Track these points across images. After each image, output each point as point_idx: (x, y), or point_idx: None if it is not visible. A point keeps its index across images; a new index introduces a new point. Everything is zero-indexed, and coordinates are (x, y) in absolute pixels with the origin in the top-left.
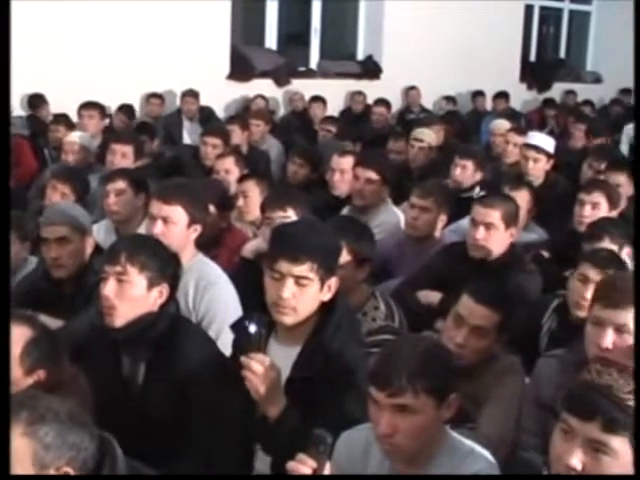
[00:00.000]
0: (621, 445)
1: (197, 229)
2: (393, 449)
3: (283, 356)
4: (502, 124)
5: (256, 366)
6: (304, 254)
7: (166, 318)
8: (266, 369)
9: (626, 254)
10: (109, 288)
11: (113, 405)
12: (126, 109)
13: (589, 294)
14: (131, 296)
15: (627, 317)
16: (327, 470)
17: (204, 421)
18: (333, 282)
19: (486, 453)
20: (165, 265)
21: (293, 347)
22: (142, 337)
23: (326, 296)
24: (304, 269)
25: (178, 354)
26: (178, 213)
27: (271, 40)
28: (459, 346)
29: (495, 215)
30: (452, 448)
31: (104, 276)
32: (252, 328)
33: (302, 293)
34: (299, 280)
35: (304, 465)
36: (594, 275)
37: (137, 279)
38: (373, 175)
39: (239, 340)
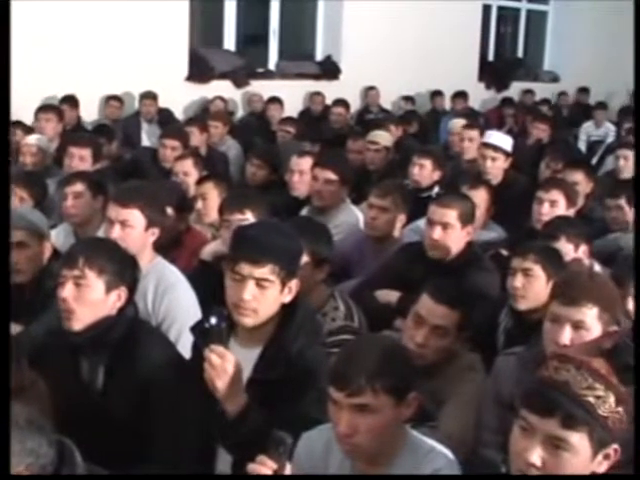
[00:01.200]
0: (580, 441)
1: (155, 232)
2: (353, 449)
3: (243, 358)
4: (459, 123)
5: (215, 359)
6: (265, 256)
7: (125, 321)
8: (226, 363)
9: (583, 253)
10: (67, 292)
11: (73, 409)
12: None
13: (517, 283)
14: (89, 300)
15: (584, 314)
16: (287, 471)
17: (163, 423)
18: (294, 284)
19: (446, 451)
20: (123, 268)
21: (253, 349)
22: (101, 340)
23: (287, 298)
24: (265, 271)
25: (137, 357)
26: (136, 217)
27: (230, 41)
28: (419, 346)
29: (451, 214)
30: (412, 447)
31: (62, 280)
32: (213, 320)
33: (263, 295)
34: (260, 282)
35: (264, 466)
36: (517, 263)
37: (95, 283)
38: (332, 175)
39: (199, 341)
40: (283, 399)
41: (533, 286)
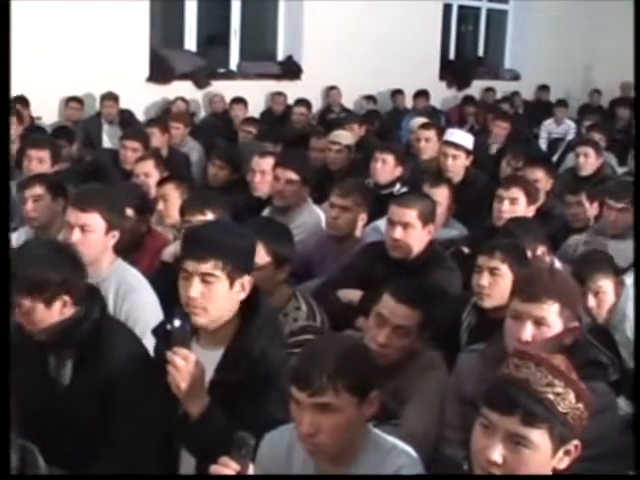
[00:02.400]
0: (540, 438)
1: (115, 235)
2: (316, 448)
3: (205, 359)
4: (419, 122)
5: (179, 361)
6: (208, 252)
7: (91, 319)
8: (189, 365)
9: (541, 253)
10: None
11: (39, 406)
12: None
13: (484, 281)
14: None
15: (545, 310)
16: (250, 472)
17: (126, 420)
18: (246, 281)
19: (409, 449)
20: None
21: (215, 350)
22: (67, 339)
23: (240, 296)
24: (208, 267)
25: (104, 353)
26: (95, 220)
27: (190, 42)
28: (382, 346)
29: (411, 214)
30: (375, 445)
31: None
32: (176, 322)
33: (210, 292)
34: (205, 278)
35: (227, 468)
36: (484, 262)
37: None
38: (293, 175)
39: (161, 343)
40: (245, 401)
41: (499, 285)
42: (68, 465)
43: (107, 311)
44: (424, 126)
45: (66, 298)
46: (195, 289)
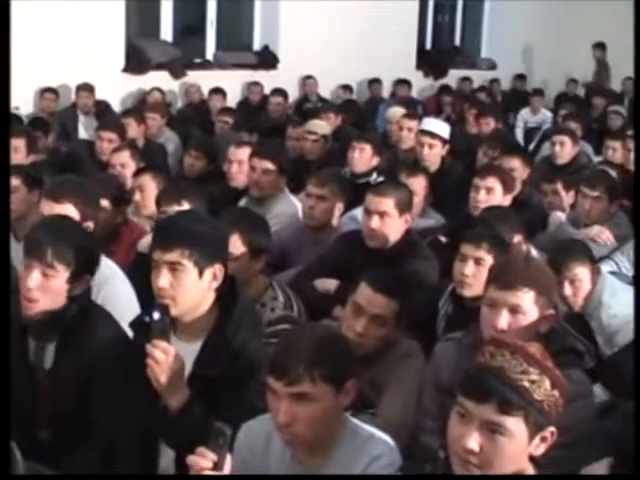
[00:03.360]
0: (516, 425)
1: (89, 226)
2: (293, 438)
3: (184, 352)
4: (398, 111)
5: (159, 354)
6: (173, 241)
7: (77, 303)
8: (169, 358)
9: (517, 242)
10: (34, 281)
11: (18, 391)
12: None
13: (468, 270)
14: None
15: (521, 298)
16: (228, 463)
17: (106, 406)
18: (218, 270)
19: (386, 437)
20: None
21: (193, 343)
22: (53, 322)
23: (212, 285)
24: (175, 255)
25: (87, 338)
26: (69, 211)
27: (166, 32)
28: (359, 335)
29: (388, 203)
30: (352, 434)
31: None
32: (155, 315)
33: (178, 281)
34: (172, 267)
35: (204, 458)
36: (470, 251)
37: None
38: (269, 165)
39: (139, 336)
40: (225, 393)
41: (482, 275)
42: (47, 451)
43: (91, 297)
44: (408, 116)
45: (86, 280)
46: (163, 279)
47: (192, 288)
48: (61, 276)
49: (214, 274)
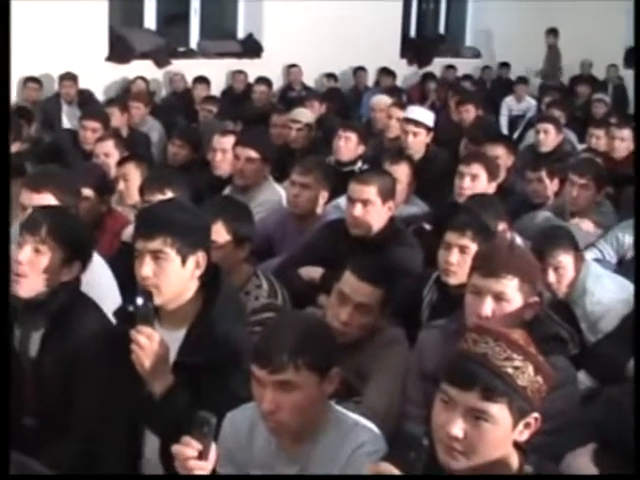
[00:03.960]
0: (500, 411)
1: None
2: (278, 426)
3: (167, 340)
4: (382, 100)
5: (143, 340)
6: (155, 229)
7: (66, 290)
8: (153, 343)
9: (502, 229)
10: (24, 255)
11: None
12: None
13: (453, 258)
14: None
15: (505, 285)
16: (212, 452)
17: (91, 394)
18: (201, 258)
19: (371, 425)
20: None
21: (177, 331)
22: (42, 309)
23: (196, 273)
24: (157, 243)
25: (73, 326)
26: (48, 201)
27: (150, 20)
28: (344, 324)
29: (371, 191)
30: (337, 422)
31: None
32: (139, 301)
33: (161, 269)
34: (155, 255)
35: (189, 447)
36: (454, 239)
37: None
38: (253, 154)
39: (123, 324)
40: (209, 381)
41: (467, 262)
42: (31, 440)
43: (79, 285)
44: (397, 105)
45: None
46: (146, 268)
47: (175, 276)
48: (52, 255)
49: (197, 262)
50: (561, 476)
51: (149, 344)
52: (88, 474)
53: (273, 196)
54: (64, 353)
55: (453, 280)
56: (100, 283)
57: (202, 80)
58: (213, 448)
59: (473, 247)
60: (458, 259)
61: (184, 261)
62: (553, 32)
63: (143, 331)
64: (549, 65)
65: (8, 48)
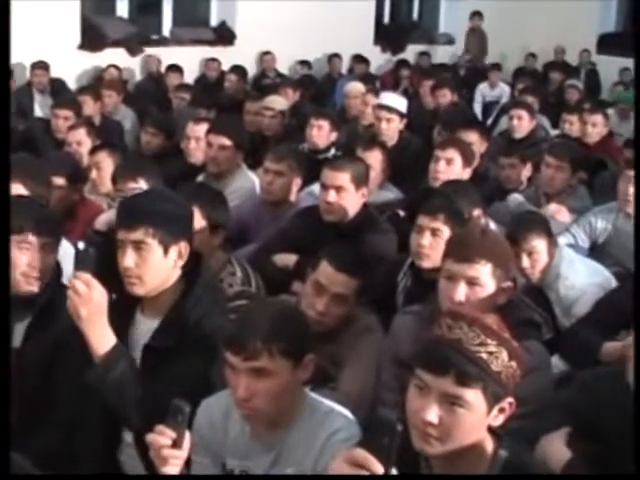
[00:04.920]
0: (475, 397)
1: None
2: (252, 413)
3: (147, 327)
4: (356, 87)
5: (80, 286)
6: (137, 219)
7: (52, 284)
8: (91, 290)
9: (476, 215)
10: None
11: None
12: None
13: (425, 241)
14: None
15: (478, 270)
16: (187, 440)
17: (70, 387)
18: (183, 247)
19: (345, 411)
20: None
21: (156, 318)
22: (29, 301)
23: (178, 263)
24: (139, 234)
25: (55, 318)
26: (19, 191)
27: (122, 8)
28: (320, 314)
29: (344, 177)
30: (312, 408)
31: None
32: (80, 245)
33: (143, 260)
34: (137, 246)
35: (163, 436)
36: (426, 222)
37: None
38: (226, 141)
39: None
40: (181, 367)
41: (439, 245)
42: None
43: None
44: (372, 92)
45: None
46: (128, 258)
47: (158, 266)
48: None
49: (179, 252)
50: (561, 476)
51: (87, 290)
52: (70, 463)
53: (246, 183)
54: (46, 342)
55: (426, 263)
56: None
57: (175, 68)
58: (187, 436)
59: (445, 230)
60: (430, 242)
61: (166, 251)
62: (478, 14)
63: (80, 276)
64: (476, 47)
65: (8, 48)
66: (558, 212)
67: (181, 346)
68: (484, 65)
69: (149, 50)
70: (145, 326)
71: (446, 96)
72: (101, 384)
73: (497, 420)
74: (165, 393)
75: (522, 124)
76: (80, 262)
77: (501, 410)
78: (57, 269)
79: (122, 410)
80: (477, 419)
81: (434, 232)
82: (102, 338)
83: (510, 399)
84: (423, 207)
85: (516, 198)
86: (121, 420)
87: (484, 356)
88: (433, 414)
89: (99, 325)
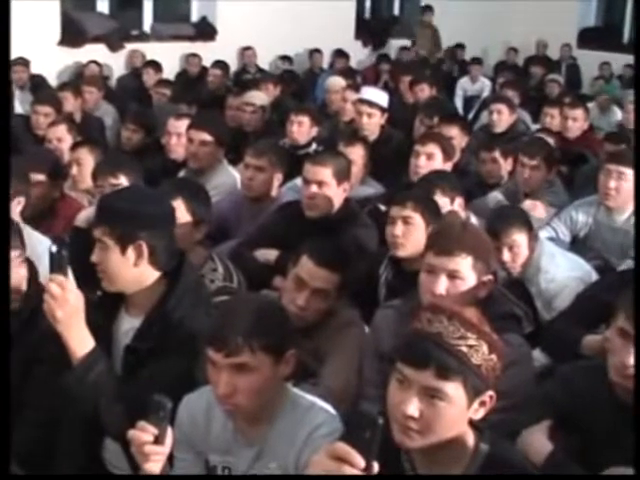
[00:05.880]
0: (455, 390)
1: (21, 201)
2: (234, 409)
3: (129, 326)
4: (337, 81)
5: (55, 288)
6: (98, 219)
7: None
8: (66, 292)
9: (458, 206)
10: None
11: None
12: None
13: (397, 231)
14: None
15: (459, 263)
16: (169, 436)
17: (47, 384)
18: (143, 246)
19: (327, 406)
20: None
21: (138, 317)
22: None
23: (140, 262)
24: (98, 232)
25: (35, 320)
26: None
27: (102, 4)
28: (301, 309)
29: (325, 172)
30: (294, 404)
31: None
32: (53, 248)
33: (103, 258)
34: (99, 244)
35: (145, 432)
36: (396, 212)
37: None
38: (206, 137)
39: None
40: (158, 366)
41: (412, 234)
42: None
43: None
44: (352, 87)
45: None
46: (94, 255)
47: (116, 265)
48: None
49: (138, 251)
50: (562, 476)
51: (61, 293)
52: (49, 461)
53: (227, 179)
54: (28, 346)
55: (402, 253)
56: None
57: (153, 64)
58: (169, 432)
59: (416, 217)
60: (403, 230)
61: (124, 250)
62: (429, 9)
63: (55, 279)
64: (429, 42)
65: (8, 47)
66: (533, 208)
67: (163, 346)
68: (439, 60)
69: (129, 46)
70: (128, 324)
71: (424, 91)
72: (79, 387)
73: (478, 413)
74: (147, 392)
75: (502, 118)
76: (54, 265)
77: (482, 403)
78: (31, 268)
79: (99, 412)
80: (458, 412)
81: (405, 220)
82: (80, 340)
83: (490, 392)
84: (392, 199)
85: (495, 197)
86: (100, 422)
87: (464, 349)
88: (414, 407)
89: (76, 327)
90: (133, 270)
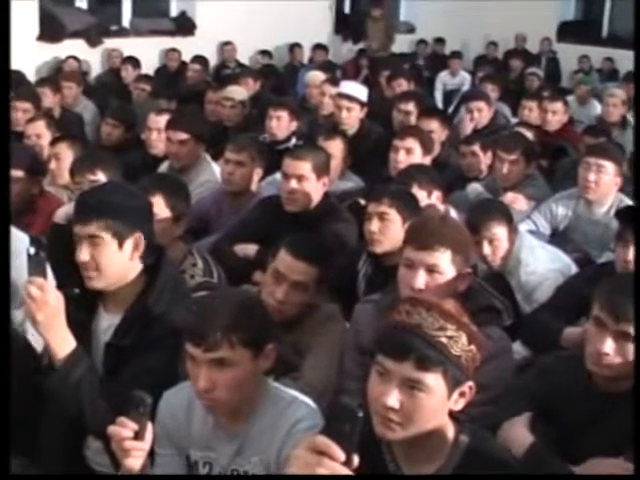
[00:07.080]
0: (435, 381)
1: None
2: (213, 404)
3: (108, 323)
4: (317, 76)
5: (34, 291)
6: (90, 214)
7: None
8: (45, 294)
9: (436, 199)
10: None
11: None
12: None
13: (374, 227)
14: None
15: (438, 257)
16: (149, 432)
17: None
18: (138, 239)
19: (308, 400)
20: None
21: (117, 314)
22: None
23: (135, 255)
24: (92, 228)
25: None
26: None
27: None
28: (280, 302)
29: (305, 167)
30: (274, 398)
31: None
32: (31, 250)
33: (99, 253)
34: (92, 240)
35: (125, 428)
36: (372, 208)
37: None
38: (185, 135)
39: None
40: (138, 363)
41: (389, 229)
42: None
43: None
44: (330, 81)
45: None
46: (84, 253)
47: (113, 260)
48: None
49: (135, 244)
50: (562, 476)
51: (41, 295)
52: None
53: (212, 176)
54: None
55: (378, 249)
56: None
57: (132, 60)
58: (149, 428)
59: (392, 213)
60: (379, 226)
61: (121, 244)
62: (377, 3)
63: (34, 281)
64: (382, 36)
65: (8, 47)
66: (514, 201)
67: (144, 342)
68: (390, 55)
69: (109, 41)
70: (107, 322)
71: (402, 85)
72: (62, 387)
73: (458, 404)
74: (129, 388)
75: (482, 115)
76: (33, 267)
77: (461, 394)
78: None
79: (82, 413)
80: (438, 403)
81: (381, 216)
82: (61, 342)
83: (470, 383)
84: (368, 195)
85: (475, 188)
86: (83, 421)
87: (443, 340)
88: (394, 399)
89: (57, 329)
90: (126, 264)
